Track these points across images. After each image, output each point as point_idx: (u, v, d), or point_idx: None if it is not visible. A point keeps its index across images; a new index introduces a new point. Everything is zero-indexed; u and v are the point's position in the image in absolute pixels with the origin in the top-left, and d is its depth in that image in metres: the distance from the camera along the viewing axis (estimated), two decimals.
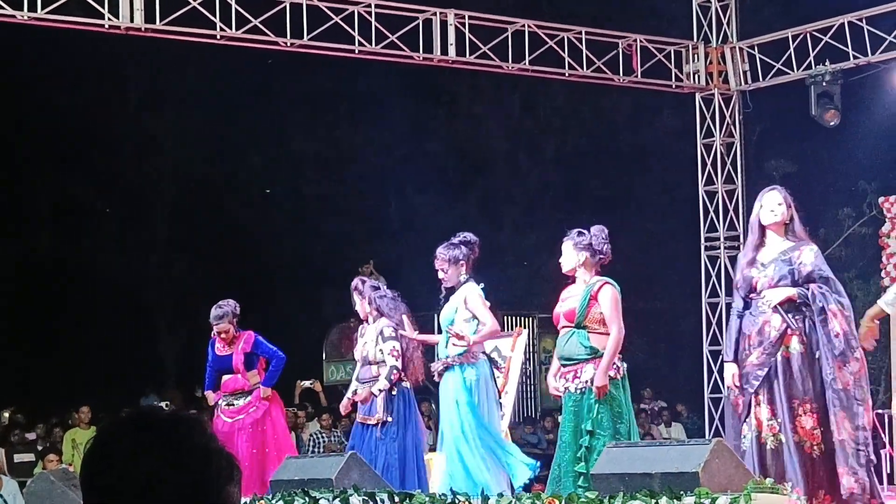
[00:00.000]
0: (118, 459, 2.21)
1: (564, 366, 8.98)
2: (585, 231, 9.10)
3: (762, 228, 8.66)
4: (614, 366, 8.87)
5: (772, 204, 8.64)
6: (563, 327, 9.02)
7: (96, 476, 2.22)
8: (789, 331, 8.39)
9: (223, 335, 11.37)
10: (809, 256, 8.51)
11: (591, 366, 8.80)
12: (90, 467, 2.24)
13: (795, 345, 8.39)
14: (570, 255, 9.06)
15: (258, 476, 10.66)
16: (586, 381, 8.79)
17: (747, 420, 8.47)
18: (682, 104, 18.80)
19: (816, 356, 8.40)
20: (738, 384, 8.48)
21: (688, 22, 17.79)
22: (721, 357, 9.04)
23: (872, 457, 8.47)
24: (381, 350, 10.45)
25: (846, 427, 8.30)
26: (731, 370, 8.56)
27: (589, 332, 8.90)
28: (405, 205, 25.14)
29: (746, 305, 8.64)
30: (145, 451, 2.20)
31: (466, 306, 9.85)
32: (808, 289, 8.39)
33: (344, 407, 11.06)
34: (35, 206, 26.10)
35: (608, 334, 8.90)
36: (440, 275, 10.01)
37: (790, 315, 8.40)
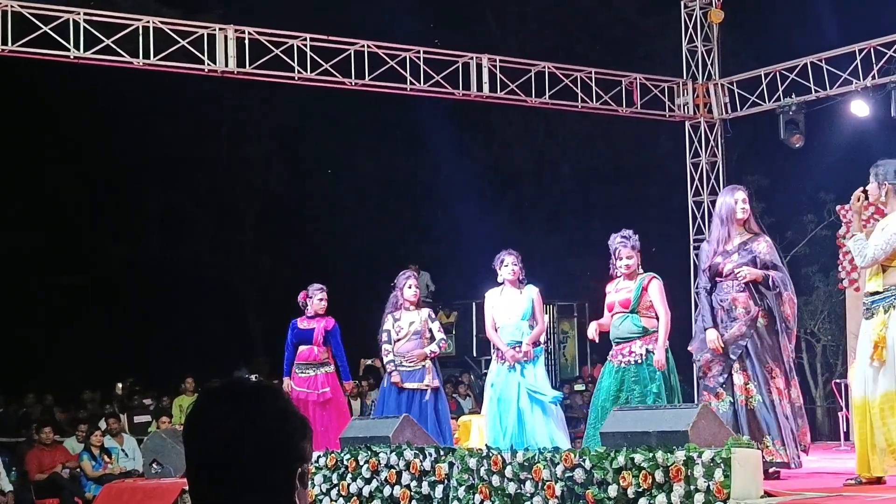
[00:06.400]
0: (210, 421, 2.21)
1: (618, 344, 9.01)
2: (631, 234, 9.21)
3: (731, 223, 8.59)
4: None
5: (742, 203, 8.60)
6: (618, 313, 9.05)
7: (194, 434, 2.23)
8: (756, 307, 8.37)
9: (321, 304, 11.33)
10: (765, 247, 8.48)
11: (640, 342, 8.87)
12: (189, 428, 2.25)
13: (761, 320, 8.37)
14: (634, 257, 9.11)
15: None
16: (641, 355, 8.86)
17: (725, 385, 8.45)
18: (674, 130, 18.72)
19: (776, 329, 8.37)
20: (721, 345, 8.44)
21: (678, 63, 17.73)
22: (696, 327, 8.95)
23: None
24: (430, 329, 10.58)
25: (797, 393, 8.32)
26: (712, 335, 8.51)
27: (640, 316, 8.97)
28: (449, 214, 25.15)
29: (713, 287, 8.62)
30: (232, 413, 2.20)
31: (533, 304, 10.21)
32: (769, 274, 8.36)
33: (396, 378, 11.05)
34: (147, 215, 26.28)
35: (654, 318, 8.97)
36: (517, 270, 10.22)
37: (757, 294, 8.38)
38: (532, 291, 10.23)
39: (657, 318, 9.03)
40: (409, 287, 10.74)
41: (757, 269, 8.39)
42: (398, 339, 10.65)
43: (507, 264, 10.18)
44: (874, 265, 7.45)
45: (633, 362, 8.88)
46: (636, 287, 9.04)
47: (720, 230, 8.67)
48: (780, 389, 8.30)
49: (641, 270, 9.17)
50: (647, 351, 8.90)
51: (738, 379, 8.40)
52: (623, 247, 9.10)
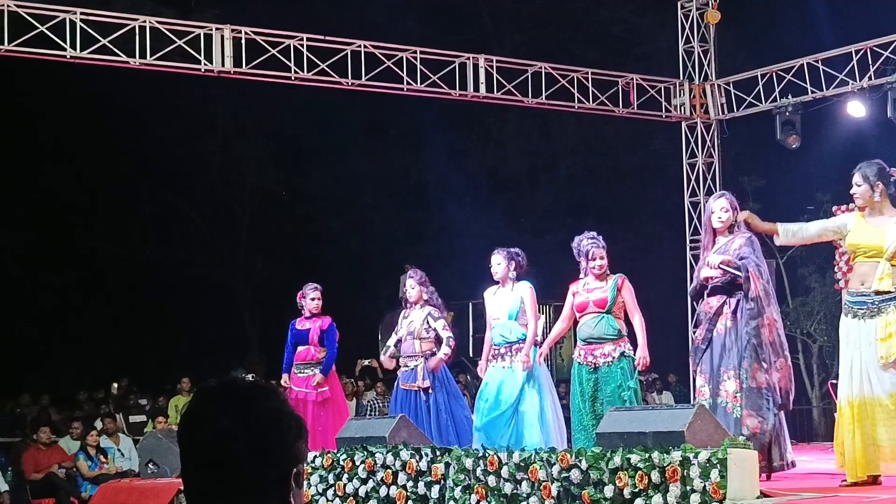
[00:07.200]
0: (204, 420, 2.20)
1: (589, 344, 9.02)
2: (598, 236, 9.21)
3: (713, 231, 8.60)
4: (629, 346, 9.01)
5: (719, 211, 8.56)
6: (591, 313, 9.05)
7: (188, 434, 2.22)
8: (722, 310, 8.34)
9: (314, 304, 11.32)
10: (739, 242, 8.45)
11: (613, 345, 8.90)
12: (184, 427, 2.24)
13: (727, 322, 8.33)
14: (605, 257, 9.19)
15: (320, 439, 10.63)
16: (614, 357, 8.91)
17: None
18: (670, 131, 18.72)
19: (745, 330, 8.31)
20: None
21: (675, 63, 17.73)
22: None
23: (775, 409, 8.29)
24: (433, 328, 10.49)
25: (757, 376, 8.18)
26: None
27: (614, 317, 9.04)
28: (444, 214, 25.14)
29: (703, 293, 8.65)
30: (226, 413, 2.19)
31: (522, 302, 10.04)
32: (738, 263, 8.35)
33: (386, 362, 11.01)
34: (143, 216, 26.27)
35: (623, 320, 9.08)
36: (501, 268, 10.08)
37: (724, 295, 8.35)
38: (522, 290, 10.06)
39: (625, 322, 9.12)
40: (407, 286, 10.74)
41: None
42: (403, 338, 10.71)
43: (492, 264, 10.10)
44: None
45: (604, 364, 8.93)
46: (611, 287, 9.09)
47: (704, 238, 8.78)
48: (730, 393, 8.27)
49: (608, 271, 9.21)
50: (622, 354, 8.98)
51: (698, 381, 8.49)
52: (595, 247, 9.14)
